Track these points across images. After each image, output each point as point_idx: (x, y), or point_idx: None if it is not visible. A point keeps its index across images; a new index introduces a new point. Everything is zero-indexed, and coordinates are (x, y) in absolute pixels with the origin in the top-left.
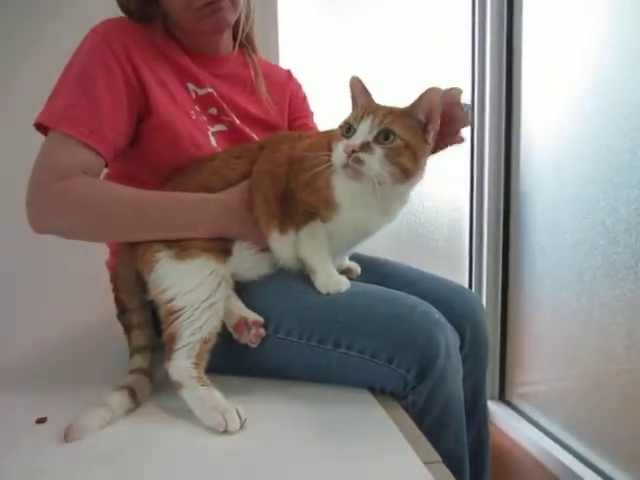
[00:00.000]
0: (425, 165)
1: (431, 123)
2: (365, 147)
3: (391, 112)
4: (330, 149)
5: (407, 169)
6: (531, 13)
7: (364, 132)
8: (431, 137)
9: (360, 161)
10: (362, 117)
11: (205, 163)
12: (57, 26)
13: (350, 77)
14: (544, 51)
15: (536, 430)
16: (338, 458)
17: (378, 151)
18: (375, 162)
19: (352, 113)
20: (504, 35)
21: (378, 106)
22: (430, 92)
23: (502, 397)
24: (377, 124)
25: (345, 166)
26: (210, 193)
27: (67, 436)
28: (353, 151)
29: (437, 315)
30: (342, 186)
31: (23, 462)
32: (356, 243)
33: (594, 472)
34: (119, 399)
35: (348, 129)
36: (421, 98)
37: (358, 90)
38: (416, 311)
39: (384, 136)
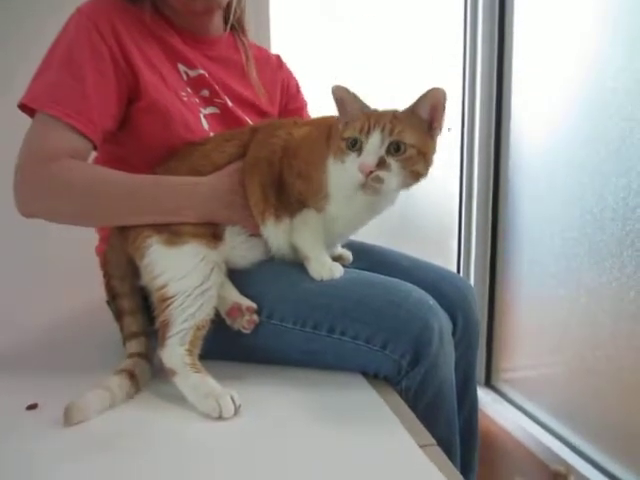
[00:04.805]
0: (433, 162)
1: (436, 121)
2: (382, 164)
3: (396, 117)
4: (329, 138)
5: (421, 174)
6: (523, 1)
7: (375, 146)
8: (437, 133)
9: (380, 180)
10: (369, 130)
11: (197, 147)
12: (40, 6)
13: (332, 87)
14: (535, 39)
15: (522, 415)
16: (334, 442)
17: (394, 165)
18: (393, 178)
19: (354, 125)
20: (495, 23)
21: (381, 114)
22: (433, 91)
23: (488, 382)
24: (387, 136)
25: (363, 186)
26: (199, 177)
27: (66, 419)
28: (371, 171)
29: (431, 301)
30: (339, 180)
31: (15, 449)
32: (349, 234)
33: (579, 456)
34: (119, 382)
35: (354, 143)
36: (424, 97)
37: (345, 98)
38: (410, 297)
39: (395, 147)
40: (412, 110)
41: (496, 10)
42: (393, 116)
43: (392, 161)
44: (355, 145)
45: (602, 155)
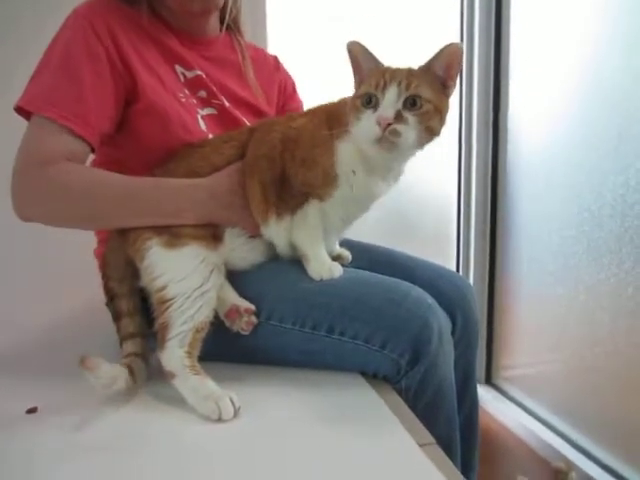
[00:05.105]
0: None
1: (450, 79)
2: (399, 118)
3: (412, 74)
4: (329, 124)
5: (436, 131)
6: (519, 1)
7: (392, 101)
8: (451, 92)
9: (397, 133)
10: (385, 85)
11: (196, 149)
12: (39, 6)
13: (348, 42)
14: (533, 37)
15: (522, 412)
16: (334, 443)
17: (411, 119)
18: (411, 132)
19: (369, 81)
20: (492, 22)
21: (396, 70)
22: (450, 47)
23: (488, 380)
24: (404, 90)
25: (380, 140)
26: (198, 178)
27: (82, 363)
28: (388, 124)
29: (430, 300)
30: (350, 156)
31: (15, 452)
32: (354, 218)
33: (580, 453)
34: (120, 370)
35: (369, 99)
36: (441, 53)
37: (360, 55)
38: (409, 297)
39: (412, 102)
40: (428, 67)
41: (492, 10)
42: (409, 72)
43: (409, 115)
44: (371, 102)
45: (600, 152)
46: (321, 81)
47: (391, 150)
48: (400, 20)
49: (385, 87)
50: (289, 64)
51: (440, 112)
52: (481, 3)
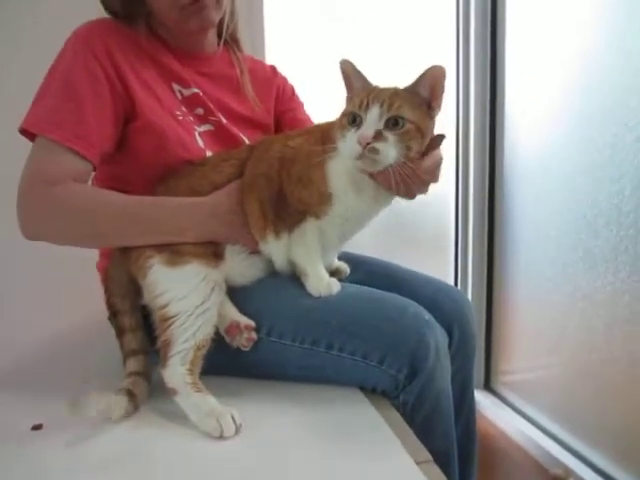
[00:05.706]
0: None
1: (435, 100)
2: (378, 136)
3: (396, 94)
4: (324, 143)
5: (417, 150)
6: (515, 9)
7: (374, 120)
8: (436, 113)
9: (376, 151)
10: (368, 105)
11: (196, 167)
12: (40, 26)
13: (340, 60)
14: (529, 43)
15: (520, 418)
16: (333, 459)
17: (391, 138)
18: (390, 149)
19: (354, 101)
20: (488, 27)
21: (381, 90)
22: (433, 69)
23: (487, 386)
24: (386, 111)
25: (361, 157)
26: (198, 197)
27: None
28: (368, 143)
29: (427, 316)
30: (340, 175)
31: (24, 469)
32: (350, 235)
33: (577, 458)
34: (118, 400)
35: (353, 118)
36: (424, 75)
37: (351, 74)
38: (406, 313)
39: (394, 122)
40: (412, 88)
41: (488, 13)
42: (393, 92)
43: (389, 135)
44: (355, 121)
45: (596, 162)
46: (319, 92)
47: (372, 166)
48: (401, 23)
49: (368, 107)
50: (287, 73)
51: (422, 132)
52: (477, 11)
